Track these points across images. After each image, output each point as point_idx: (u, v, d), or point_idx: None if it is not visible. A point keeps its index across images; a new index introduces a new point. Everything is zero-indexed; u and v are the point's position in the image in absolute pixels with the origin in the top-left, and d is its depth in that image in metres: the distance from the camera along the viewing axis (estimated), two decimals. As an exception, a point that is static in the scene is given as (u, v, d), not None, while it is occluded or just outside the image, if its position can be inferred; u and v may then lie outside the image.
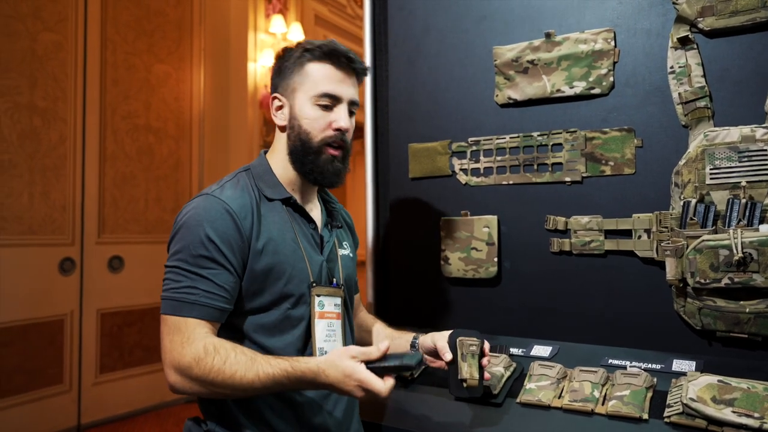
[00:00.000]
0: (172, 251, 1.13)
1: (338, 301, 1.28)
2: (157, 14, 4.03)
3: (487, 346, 1.25)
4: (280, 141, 1.29)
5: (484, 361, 1.23)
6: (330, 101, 1.23)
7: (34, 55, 3.33)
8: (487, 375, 1.24)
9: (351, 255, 1.40)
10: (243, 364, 1.05)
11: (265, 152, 1.33)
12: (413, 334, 1.38)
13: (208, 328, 1.09)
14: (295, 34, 4.69)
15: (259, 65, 4.51)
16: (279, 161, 1.28)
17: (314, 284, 1.23)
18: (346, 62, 1.24)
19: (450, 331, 1.27)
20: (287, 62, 1.26)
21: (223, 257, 1.11)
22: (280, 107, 1.27)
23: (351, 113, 1.28)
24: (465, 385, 1.20)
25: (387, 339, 1.42)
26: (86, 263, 3.59)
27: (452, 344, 1.23)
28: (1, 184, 3.17)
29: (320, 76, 1.22)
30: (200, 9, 4.30)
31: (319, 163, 1.24)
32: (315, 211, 1.33)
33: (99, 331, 3.66)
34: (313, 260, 1.24)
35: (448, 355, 1.23)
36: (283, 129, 1.27)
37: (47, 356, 3.38)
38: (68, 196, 3.50)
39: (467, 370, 1.19)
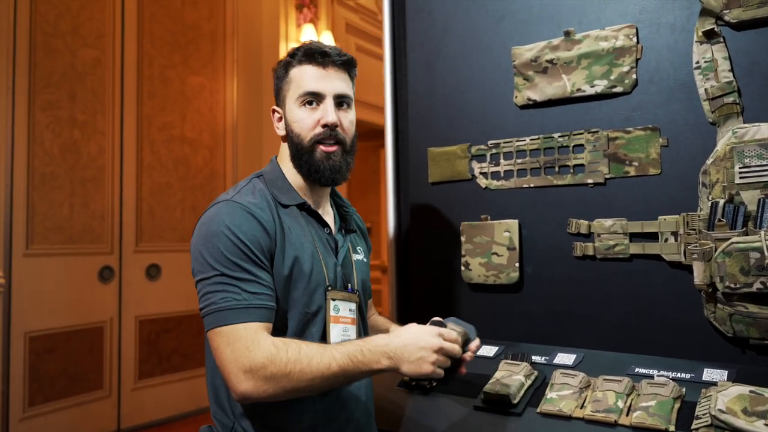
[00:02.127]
0: (205, 262, 1.09)
1: (353, 306, 1.27)
2: (192, 27, 4.13)
3: (475, 343, 1.20)
4: (284, 150, 1.31)
5: (466, 355, 1.18)
6: (314, 98, 1.23)
7: (74, 71, 3.45)
8: (462, 369, 1.19)
9: (365, 260, 1.39)
10: (316, 351, 1.03)
11: (276, 157, 1.34)
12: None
13: (266, 329, 1.07)
14: (326, 42, 4.73)
15: (291, 74, 4.55)
16: (288, 169, 1.29)
17: (330, 288, 1.22)
18: (322, 58, 1.24)
19: (436, 319, 1.23)
20: (277, 73, 1.30)
21: (258, 258, 1.10)
22: (279, 118, 1.30)
23: (342, 106, 1.26)
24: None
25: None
26: (125, 271, 3.68)
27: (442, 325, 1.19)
28: (43, 195, 3.29)
29: (301, 77, 1.24)
30: (233, 21, 4.39)
31: (314, 162, 1.23)
32: (328, 215, 1.33)
33: (137, 337, 3.75)
34: (329, 264, 1.24)
35: None
36: (284, 139, 1.30)
37: (88, 362, 3.48)
38: (107, 206, 3.61)
39: None
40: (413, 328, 1.11)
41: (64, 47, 3.41)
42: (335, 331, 1.21)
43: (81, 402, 3.42)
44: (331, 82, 1.24)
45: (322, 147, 1.23)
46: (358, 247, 1.38)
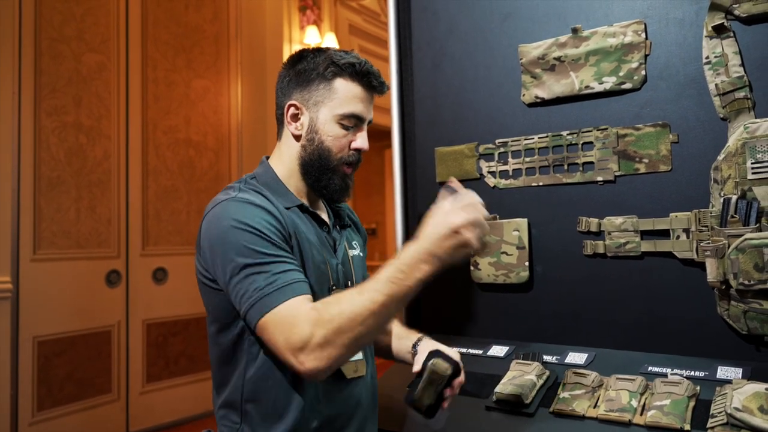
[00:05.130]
0: (227, 260, 1.05)
1: None
2: (195, 31, 4.13)
3: (459, 380, 1.20)
4: (290, 149, 1.25)
5: (448, 391, 1.17)
6: (354, 122, 1.21)
7: (79, 76, 3.46)
8: (444, 405, 1.18)
9: (361, 254, 1.37)
10: (355, 294, 0.99)
11: (267, 158, 1.29)
12: (418, 336, 1.36)
13: (307, 300, 1.02)
14: (329, 44, 4.73)
15: (295, 76, 4.55)
16: (286, 169, 1.25)
17: (334, 287, 1.21)
18: (376, 84, 1.23)
19: (434, 348, 1.23)
20: (311, 72, 1.21)
21: (277, 242, 1.07)
22: (296, 116, 1.23)
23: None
24: (412, 402, 1.17)
25: (396, 338, 1.40)
26: (131, 275, 3.69)
27: (428, 358, 1.19)
28: (50, 200, 3.29)
29: (349, 95, 1.20)
30: (236, 23, 4.39)
31: (335, 181, 1.23)
32: (323, 214, 1.31)
33: (145, 341, 3.76)
34: (331, 263, 1.23)
35: (416, 367, 1.21)
36: (297, 138, 1.24)
37: (96, 366, 3.49)
38: (113, 210, 3.61)
39: (418, 393, 1.16)
40: (432, 219, 1.01)
41: (69, 52, 3.42)
42: None
43: (90, 406, 3.43)
44: (371, 108, 1.24)
45: (345, 168, 1.23)
46: (353, 242, 1.36)
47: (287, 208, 1.19)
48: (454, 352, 1.20)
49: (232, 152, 4.35)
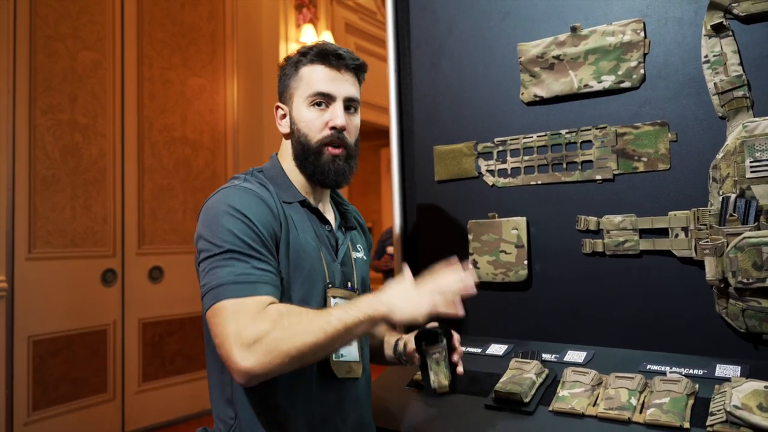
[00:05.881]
0: (212, 240, 1.05)
1: None
2: (191, 29, 4.12)
3: (456, 338, 1.23)
4: (287, 147, 1.29)
5: (455, 357, 1.22)
6: (324, 99, 1.22)
7: (74, 74, 3.44)
8: (459, 370, 1.23)
9: (365, 258, 1.38)
10: (314, 312, 1.02)
11: (276, 154, 1.33)
12: (396, 339, 1.41)
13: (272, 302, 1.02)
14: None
15: (291, 75, 4.55)
16: (289, 166, 1.28)
17: (330, 285, 1.21)
18: (336, 60, 1.23)
19: (415, 335, 1.26)
20: (285, 70, 1.27)
21: (267, 241, 1.08)
22: (283, 115, 1.28)
23: (349, 110, 1.26)
24: (435, 392, 1.22)
25: (387, 347, 1.43)
26: (127, 274, 3.67)
27: (418, 346, 1.22)
28: (45, 198, 3.28)
29: (313, 77, 1.22)
30: (233, 22, 4.38)
31: (321, 164, 1.23)
32: (329, 213, 1.32)
33: (141, 340, 3.75)
34: (329, 262, 1.23)
35: (416, 360, 1.28)
36: (287, 136, 1.28)
37: (91, 365, 3.47)
38: (109, 208, 3.60)
39: (434, 378, 1.20)
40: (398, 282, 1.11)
41: (65, 50, 3.40)
42: None
43: (85, 405, 3.41)
44: (343, 85, 1.23)
45: (329, 149, 1.22)
46: (358, 245, 1.37)
47: (288, 203, 1.21)
48: (431, 324, 1.19)
49: (228, 151, 4.34)
